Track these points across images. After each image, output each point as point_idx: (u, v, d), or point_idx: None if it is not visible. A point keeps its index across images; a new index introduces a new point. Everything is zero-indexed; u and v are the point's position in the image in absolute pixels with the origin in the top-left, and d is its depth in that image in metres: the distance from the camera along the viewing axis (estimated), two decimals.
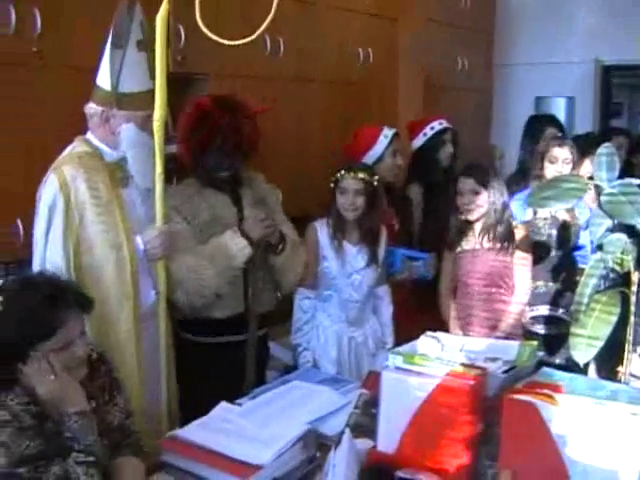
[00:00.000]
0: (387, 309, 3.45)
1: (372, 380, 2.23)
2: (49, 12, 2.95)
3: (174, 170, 3.20)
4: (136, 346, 2.59)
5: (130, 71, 2.56)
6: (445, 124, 4.07)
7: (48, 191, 2.52)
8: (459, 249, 3.48)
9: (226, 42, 2.38)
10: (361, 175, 3.30)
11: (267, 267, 3.08)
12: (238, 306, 3.03)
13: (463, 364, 2.07)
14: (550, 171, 3.73)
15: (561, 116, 5.63)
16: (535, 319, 3.71)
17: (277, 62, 4.02)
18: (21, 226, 2.81)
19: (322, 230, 3.33)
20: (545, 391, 1.95)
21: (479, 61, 5.49)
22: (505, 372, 2.14)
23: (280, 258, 3.08)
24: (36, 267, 2.52)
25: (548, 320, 3.72)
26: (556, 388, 1.98)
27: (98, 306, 2.47)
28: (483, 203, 3.39)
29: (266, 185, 3.23)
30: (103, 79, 2.59)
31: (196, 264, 2.83)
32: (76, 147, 2.64)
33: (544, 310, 3.71)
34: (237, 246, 2.88)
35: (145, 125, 2.61)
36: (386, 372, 2.08)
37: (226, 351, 3.02)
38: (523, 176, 4.24)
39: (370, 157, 3.72)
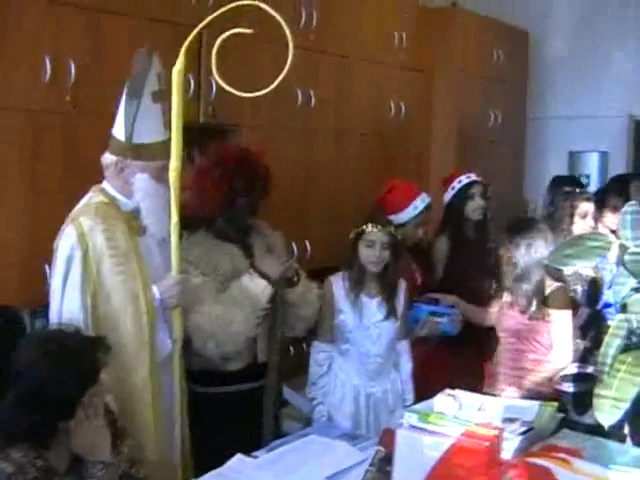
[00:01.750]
0: (407, 365, 3.39)
1: (388, 437, 2.20)
2: (83, 62, 3.03)
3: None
4: (152, 395, 2.57)
5: (144, 122, 2.57)
6: (473, 177, 4.04)
7: (66, 242, 2.54)
8: (504, 300, 3.42)
9: (241, 94, 2.46)
10: (388, 228, 3.30)
11: (283, 306, 3.08)
12: (249, 357, 3.03)
13: (479, 424, 2.04)
14: (579, 226, 3.70)
15: (594, 171, 5.62)
16: (564, 377, 3.63)
17: (309, 114, 4.06)
18: (49, 272, 2.86)
19: (337, 284, 3.31)
20: (562, 455, 1.91)
21: (512, 114, 5.49)
22: (522, 433, 2.10)
23: (296, 292, 3.09)
24: (53, 317, 2.52)
25: (577, 377, 3.65)
26: (575, 452, 1.94)
27: (115, 355, 2.48)
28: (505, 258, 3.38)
29: (271, 231, 3.24)
30: (118, 129, 2.61)
31: (223, 313, 2.83)
32: (93, 197, 2.65)
33: (572, 368, 3.64)
34: (258, 287, 2.89)
35: (160, 175, 2.62)
36: (400, 430, 2.06)
37: (236, 401, 3.00)
38: None
39: (395, 219, 3.62)
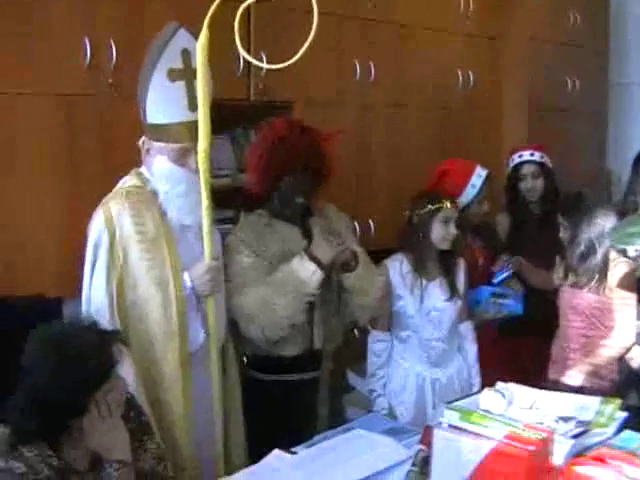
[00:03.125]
0: (472, 347, 3.24)
1: (428, 435, 2.03)
2: (125, 43, 2.94)
3: (239, 203, 3.11)
4: (183, 388, 2.47)
5: (158, 100, 2.44)
6: (525, 156, 3.77)
7: (94, 227, 2.47)
8: (571, 281, 3.19)
9: (267, 65, 2.50)
10: (458, 205, 3.19)
11: (340, 292, 2.92)
12: (305, 343, 2.89)
13: (527, 425, 1.85)
14: None
15: None
16: None
17: (368, 88, 3.89)
18: None
19: (394, 268, 3.15)
20: (617, 462, 1.70)
21: (592, 80, 5.12)
22: (575, 436, 1.89)
23: (353, 278, 2.89)
24: (84, 305, 2.46)
25: None
26: (631, 459, 1.73)
27: (143, 346, 2.43)
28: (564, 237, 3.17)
29: (337, 214, 3.07)
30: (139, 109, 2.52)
31: (267, 295, 2.71)
32: (127, 181, 2.57)
33: None
34: (307, 271, 2.72)
35: (181, 159, 2.48)
36: (438, 430, 1.89)
37: (294, 389, 2.88)
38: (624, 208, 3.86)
39: None
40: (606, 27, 5.31)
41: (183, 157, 2.49)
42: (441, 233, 3.10)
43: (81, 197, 2.88)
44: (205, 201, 2.43)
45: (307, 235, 2.90)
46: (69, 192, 2.89)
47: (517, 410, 2.03)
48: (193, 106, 2.43)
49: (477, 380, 3.21)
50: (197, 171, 2.46)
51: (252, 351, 2.88)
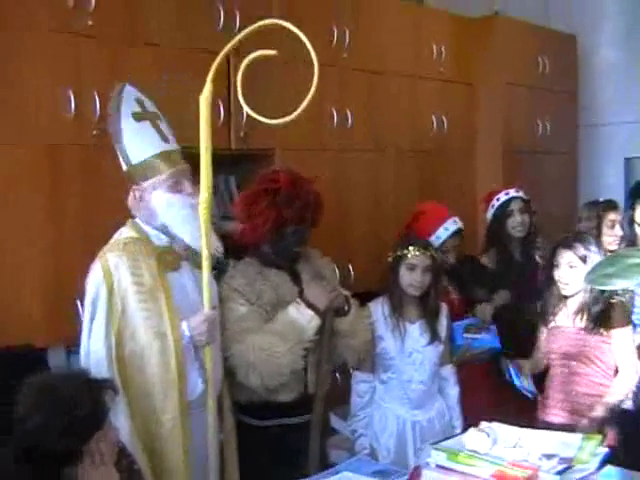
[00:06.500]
0: (453, 390, 3.27)
1: (416, 476, 2.07)
2: (108, 94, 2.99)
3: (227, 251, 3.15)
4: (182, 437, 2.47)
5: (134, 141, 2.55)
6: (512, 193, 3.88)
7: (92, 280, 2.50)
8: (552, 324, 3.21)
9: (269, 121, 2.39)
10: (430, 252, 3.18)
11: (334, 336, 2.95)
12: (299, 388, 2.91)
13: (512, 463, 1.90)
14: (608, 237, 3.54)
15: None
16: None
17: (346, 133, 3.98)
18: (80, 307, 2.79)
19: (376, 310, 3.20)
20: None
21: (562, 123, 5.26)
22: (559, 472, 1.94)
23: (346, 322, 2.96)
24: (82, 357, 2.48)
25: None
26: None
27: (142, 396, 2.44)
28: (579, 279, 3.06)
29: (322, 259, 3.13)
30: (121, 161, 2.62)
31: (267, 343, 2.73)
32: (123, 232, 2.61)
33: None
34: (305, 318, 2.78)
35: (175, 186, 2.57)
36: (426, 470, 1.94)
37: (288, 433, 2.89)
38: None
39: None
40: (575, 71, 5.47)
41: (177, 185, 2.57)
42: (407, 280, 3.15)
43: (66, 247, 2.92)
44: (205, 251, 2.47)
45: (296, 281, 2.95)
46: (53, 242, 2.92)
47: (502, 449, 2.07)
48: (164, 138, 2.60)
49: (458, 423, 3.24)
50: (192, 194, 2.56)
51: (247, 398, 2.88)
